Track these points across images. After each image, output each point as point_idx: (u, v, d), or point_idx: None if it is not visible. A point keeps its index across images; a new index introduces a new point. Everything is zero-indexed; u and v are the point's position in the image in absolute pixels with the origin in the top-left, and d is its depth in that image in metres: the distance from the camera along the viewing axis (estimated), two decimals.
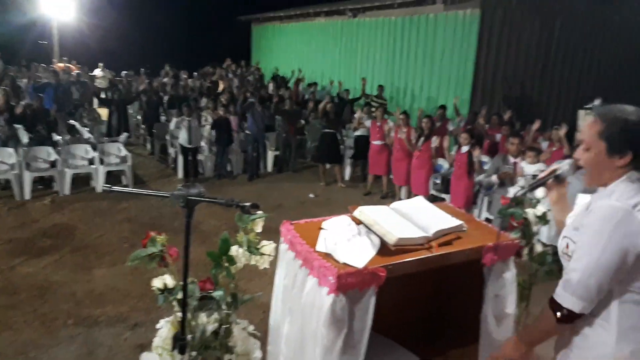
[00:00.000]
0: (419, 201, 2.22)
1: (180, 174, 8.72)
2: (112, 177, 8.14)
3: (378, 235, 1.92)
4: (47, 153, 7.63)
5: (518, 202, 2.49)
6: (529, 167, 5.72)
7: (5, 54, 12.66)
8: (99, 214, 6.79)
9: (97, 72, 13.97)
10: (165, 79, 12.75)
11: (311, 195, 8.10)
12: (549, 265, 2.62)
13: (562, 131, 6.93)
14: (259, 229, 1.69)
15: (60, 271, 5.14)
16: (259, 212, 1.71)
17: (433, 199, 7.29)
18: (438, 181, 7.39)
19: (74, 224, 6.45)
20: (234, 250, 1.68)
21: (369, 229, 1.96)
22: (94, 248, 5.70)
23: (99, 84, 13.00)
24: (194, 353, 1.69)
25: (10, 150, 7.41)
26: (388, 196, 7.94)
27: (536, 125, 7.52)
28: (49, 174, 7.64)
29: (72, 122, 9.47)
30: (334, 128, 8.60)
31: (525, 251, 2.56)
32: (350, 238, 1.88)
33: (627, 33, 11.52)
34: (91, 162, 7.95)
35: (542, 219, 2.52)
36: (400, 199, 7.64)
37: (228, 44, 17.53)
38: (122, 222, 6.55)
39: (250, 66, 15.68)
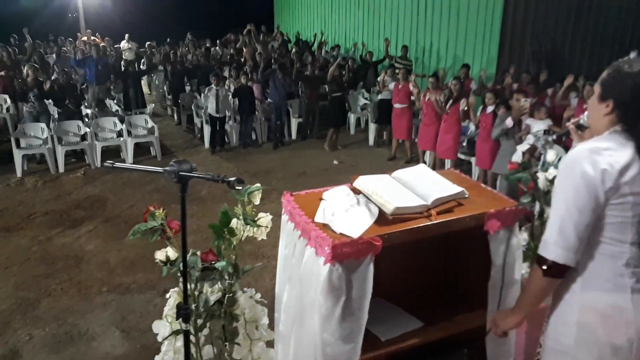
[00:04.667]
0: (421, 169, 2.20)
1: (207, 143, 8.86)
2: (141, 149, 8.36)
3: (377, 205, 1.94)
4: (77, 127, 7.87)
5: (525, 166, 2.44)
6: (535, 124, 5.56)
7: (32, 28, 12.90)
8: (129, 185, 7.02)
9: (124, 44, 14.12)
10: (187, 49, 12.76)
11: (335, 162, 8.12)
12: None
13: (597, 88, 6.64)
14: (257, 201, 1.73)
15: (93, 241, 5.40)
16: (257, 184, 1.75)
17: (459, 162, 7.26)
18: (464, 144, 7.27)
19: (105, 195, 6.71)
20: (234, 222, 1.73)
21: (369, 198, 1.98)
22: (125, 218, 5.94)
23: (126, 57, 13.16)
24: (199, 321, 1.78)
25: (43, 125, 7.68)
26: (412, 161, 7.87)
27: (568, 81, 7.23)
28: (80, 147, 7.90)
29: (107, 100, 9.63)
30: (342, 91, 8.53)
31: (536, 216, 2.53)
32: (348, 208, 1.90)
33: None
34: (120, 134, 8.16)
35: (553, 182, 2.46)
36: (425, 164, 7.57)
37: (250, 8, 17.33)
38: (152, 192, 6.77)
39: (272, 32, 15.49)
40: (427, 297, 2.34)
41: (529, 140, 5.20)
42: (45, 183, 7.21)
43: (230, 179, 1.32)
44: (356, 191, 2.03)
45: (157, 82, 12.60)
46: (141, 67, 11.92)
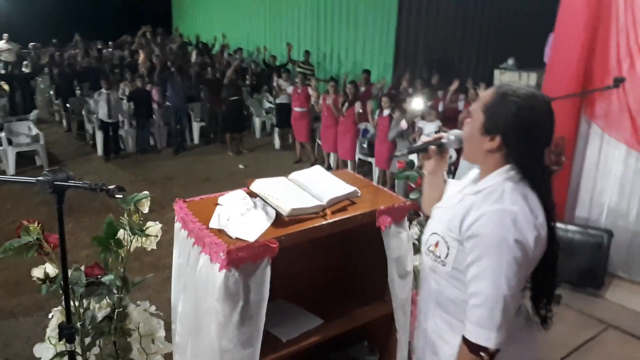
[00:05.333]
0: (317, 170, 2.26)
1: (100, 151, 8.32)
2: (25, 158, 7.64)
3: (273, 207, 1.95)
4: None
5: (411, 164, 2.60)
6: (427, 126, 5.96)
7: None
8: (10, 199, 6.39)
9: (1, 44, 12.82)
10: (78, 51, 11.92)
11: (241, 167, 8.02)
12: None
13: (481, 91, 7.23)
14: (145, 209, 1.66)
15: None
16: (144, 192, 1.68)
17: (361, 163, 7.53)
18: (365, 145, 7.55)
19: None
20: (121, 233, 1.64)
21: (265, 201, 1.98)
22: (7, 235, 5.35)
23: (4, 58, 11.97)
24: (87, 340, 1.67)
25: None
26: (317, 163, 8.02)
27: (454, 86, 7.80)
28: None
29: None
30: (240, 95, 8.53)
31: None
32: (244, 212, 1.89)
33: None
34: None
35: None
36: (329, 165, 7.75)
37: (146, 10, 16.56)
38: (38, 205, 6.21)
39: (171, 34, 14.97)
40: (327, 295, 2.39)
41: (422, 140, 5.54)
42: None
43: (110, 187, 1.25)
44: (253, 195, 2.03)
45: (42, 86, 11.60)
46: (23, 69, 10.92)
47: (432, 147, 1.61)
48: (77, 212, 5.91)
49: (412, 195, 2.58)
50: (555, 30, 4.18)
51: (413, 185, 2.62)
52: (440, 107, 7.35)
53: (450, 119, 6.98)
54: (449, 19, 10.64)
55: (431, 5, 10.36)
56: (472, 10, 11.06)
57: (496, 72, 9.75)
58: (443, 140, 1.59)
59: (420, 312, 1.71)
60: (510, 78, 9.26)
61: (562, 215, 4.19)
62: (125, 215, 1.64)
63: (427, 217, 1.72)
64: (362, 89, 8.41)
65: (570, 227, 3.92)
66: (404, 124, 5.91)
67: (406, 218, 2.19)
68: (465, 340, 1.37)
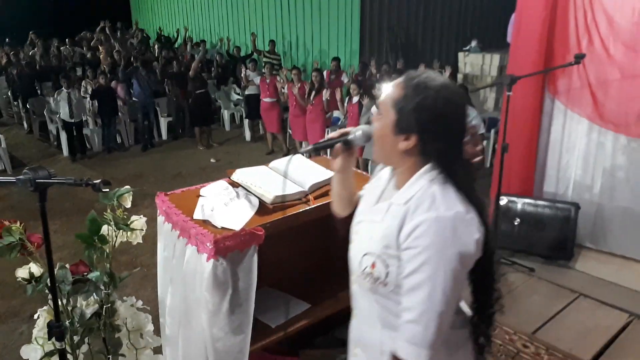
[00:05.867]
0: (297, 158, 2.28)
1: (65, 151, 8.09)
2: None
3: (256, 196, 1.96)
4: None
5: None
6: None
7: None
8: None
9: None
10: (34, 49, 11.49)
11: (212, 160, 7.94)
12: None
13: (447, 73, 7.35)
14: (128, 204, 1.65)
15: None
16: (126, 187, 1.67)
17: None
18: None
19: None
20: (105, 229, 1.63)
21: (248, 190, 2.00)
22: None
23: None
24: (76, 338, 1.66)
25: None
26: (290, 152, 8.01)
27: (421, 69, 7.90)
28: None
29: None
30: (206, 88, 8.43)
31: None
32: (227, 202, 1.90)
33: None
34: None
35: None
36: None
37: (103, 5, 16.06)
38: (4, 210, 6.01)
39: (130, 28, 14.59)
40: (312, 280, 2.42)
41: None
42: None
43: (95, 181, 1.24)
44: (235, 184, 2.03)
45: None
46: None
47: (339, 144, 1.45)
48: (33, 218, 5.76)
49: None
50: (516, 10, 4.29)
51: None
52: None
53: None
54: (411, 3, 10.73)
55: None
56: None
57: (460, 55, 9.93)
58: (349, 137, 1.43)
59: (355, 342, 1.54)
60: (475, 60, 9.46)
61: (530, 190, 4.33)
62: (109, 210, 1.63)
63: (342, 221, 1.59)
64: (332, 77, 8.42)
65: (540, 202, 4.06)
66: (374, 110, 5.97)
67: None
68: (394, 357, 1.26)
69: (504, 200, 4.00)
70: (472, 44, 9.76)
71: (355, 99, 6.60)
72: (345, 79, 8.73)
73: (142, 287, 4.02)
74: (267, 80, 7.90)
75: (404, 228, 1.22)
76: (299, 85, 7.35)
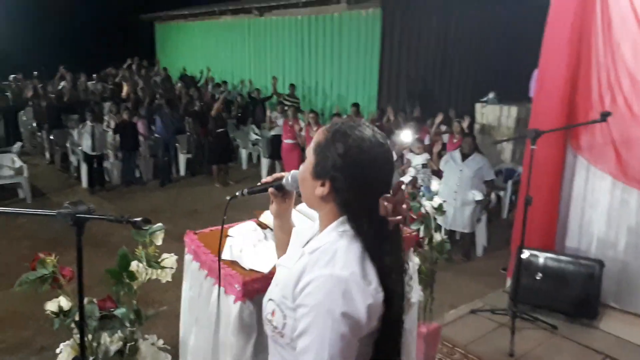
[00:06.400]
0: (232, 200, 2.27)
1: (84, 183, 8.21)
2: (7, 191, 7.48)
3: None
4: None
5: (414, 196, 2.65)
6: (415, 158, 6.07)
7: None
8: None
9: None
10: (63, 83, 11.88)
11: (228, 198, 7.97)
12: (448, 253, 2.82)
13: (465, 123, 7.43)
14: (159, 241, 1.65)
15: None
16: (159, 224, 1.68)
17: None
18: None
19: None
20: (134, 265, 1.63)
21: None
22: None
23: None
24: None
25: None
26: None
27: (438, 119, 7.98)
28: None
29: None
30: (225, 127, 8.61)
31: (426, 241, 2.73)
32: (256, 243, 1.90)
33: (516, 28, 12.52)
34: None
35: (439, 210, 2.70)
36: None
37: (131, 43, 16.69)
38: (21, 239, 6.05)
39: (154, 66, 15.07)
40: None
41: (411, 172, 5.63)
42: None
43: (136, 219, 1.25)
44: (263, 226, 2.03)
45: (24, 118, 11.49)
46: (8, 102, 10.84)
47: (271, 188, 1.46)
48: (60, 246, 5.79)
49: (413, 226, 2.62)
50: (539, 66, 4.36)
51: (414, 217, 2.67)
52: (427, 140, 7.50)
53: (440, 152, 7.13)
54: (429, 53, 10.99)
55: (412, 39, 10.71)
56: (453, 45, 11.48)
57: (477, 106, 10.03)
58: (282, 182, 1.43)
59: None
60: (492, 111, 9.52)
61: (552, 245, 4.26)
62: (140, 247, 1.63)
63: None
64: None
65: (563, 258, 3.98)
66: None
67: (412, 249, 2.22)
68: None
69: (525, 254, 3.94)
70: (489, 95, 9.87)
71: None
72: None
73: (154, 326, 3.95)
74: (290, 123, 8.05)
75: (300, 281, 1.16)
76: (315, 128, 7.45)
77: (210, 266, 1.79)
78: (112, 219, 1.28)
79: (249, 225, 2.03)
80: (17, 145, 8.56)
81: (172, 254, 1.70)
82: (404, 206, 1.16)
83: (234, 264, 1.79)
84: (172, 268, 1.64)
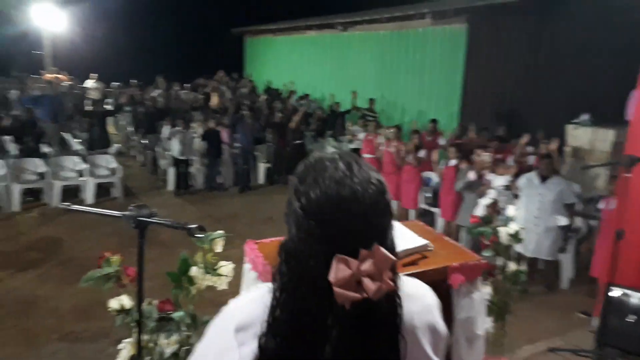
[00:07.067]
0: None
1: (170, 186, 8.71)
2: (102, 189, 8.12)
3: None
4: (36, 165, 7.62)
5: (487, 220, 2.49)
6: (496, 179, 5.75)
7: None
8: (86, 226, 6.75)
9: (90, 83, 14.00)
10: (159, 91, 12.77)
11: None
12: (523, 285, 2.62)
13: (553, 146, 6.97)
14: (219, 248, 1.68)
15: (45, 285, 5.11)
16: (220, 231, 1.71)
17: (424, 213, 7.38)
18: (429, 195, 7.40)
19: (60, 236, 6.43)
20: (194, 270, 1.67)
21: None
22: (80, 262, 5.66)
23: (92, 96, 13.03)
24: None
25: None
26: None
27: (524, 139, 7.56)
28: (37, 185, 7.62)
29: (63, 134, 9.48)
30: (302, 139, 8.72)
31: (499, 270, 2.56)
32: None
33: (614, 45, 11.61)
34: (81, 173, 7.93)
35: (515, 237, 2.52)
36: None
37: (221, 56, 17.60)
38: (110, 235, 6.51)
39: (243, 78, 15.75)
40: None
41: (491, 194, 5.36)
42: None
43: (191, 226, 1.28)
44: None
45: (122, 123, 12.47)
46: (104, 107, 11.81)
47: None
48: (133, 245, 6.18)
49: (485, 253, 2.46)
50: (638, 87, 3.99)
51: (487, 242, 2.51)
52: (510, 161, 7.12)
53: (519, 174, 6.73)
54: (517, 70, 10.47)
55: (500, 56, 10.26)
56: (543, 63, 10.85)
57: (569, 127, 9.37)
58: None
59: None
60: (585, 134, 8.87)
61: None
62: (201, 253, 1.67)
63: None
64: (429, 138, 8.35)
65: None
66: (471, 175, 5.76)
67: (480, 277, 2.09)
68: None
69: (616, 292, 3.57)
70: (582, 116, 9.19)
71: (453, 162, 6.43)
72: (442, 141, 8.59)
73: None
74: (370, 137, 8.03)
75: None
76: (395, 143, 7.35)
77: (268, 278, 1.79)
78: (169, 224, 1.31)
79: None
80: (115, 147, 9.28)
81: (230, 262, 1.72)
82: (386, 277, 0.83)
83: None
84: (227, 276, 1.66)
